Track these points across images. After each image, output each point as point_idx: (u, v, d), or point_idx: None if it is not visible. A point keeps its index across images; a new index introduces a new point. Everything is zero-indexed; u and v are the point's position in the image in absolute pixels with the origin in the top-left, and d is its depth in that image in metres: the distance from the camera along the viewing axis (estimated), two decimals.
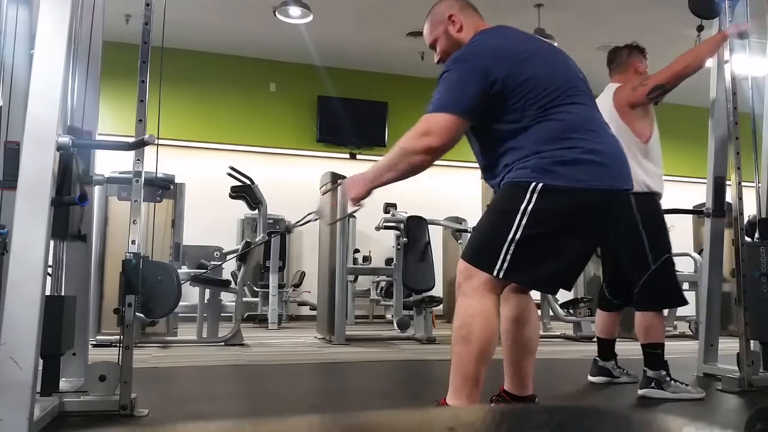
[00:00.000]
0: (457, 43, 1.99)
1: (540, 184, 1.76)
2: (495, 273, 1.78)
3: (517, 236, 1.76)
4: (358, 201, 1.93)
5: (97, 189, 3.36)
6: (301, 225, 2.22)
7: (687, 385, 2.67)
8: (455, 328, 1.82)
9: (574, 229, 1.81)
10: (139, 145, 2.09)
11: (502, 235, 1.78)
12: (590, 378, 3.03)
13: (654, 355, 2.67)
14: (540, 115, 1.80)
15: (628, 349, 3.57)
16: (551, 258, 1.81)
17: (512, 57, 1.85)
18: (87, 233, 2.37)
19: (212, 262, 5.30)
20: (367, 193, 1.92)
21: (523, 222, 1.76)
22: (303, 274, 7.65)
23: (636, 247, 2.73)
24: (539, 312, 5.61)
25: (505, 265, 1.77)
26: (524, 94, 1.80)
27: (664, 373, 2.64)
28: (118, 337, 2.32)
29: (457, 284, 1.87)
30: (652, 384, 2.64)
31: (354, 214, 2.13)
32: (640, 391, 2.67)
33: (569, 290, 2.08)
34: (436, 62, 2.07)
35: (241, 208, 6.47)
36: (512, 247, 1.76)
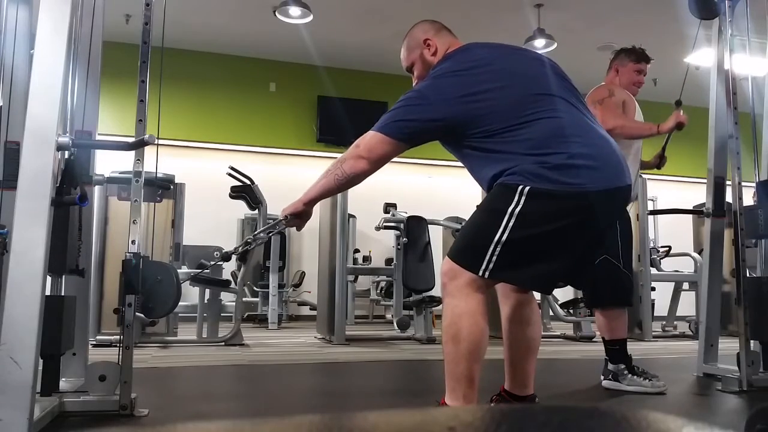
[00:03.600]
0: (430, 66, 2.02)
1: (528, 187, 1.74)
2: (480, 273, 1.77)
3: (504, 237, 1.75)
4: (287, 215, 2.10)
5: (97, 189, 3.36)
6: (238, 253, 2.36)
7: (649, 379, 2.78)
8: (444, 328, 1.83)
9: (565, 231, 1.79)
10: (139, 145, 2.09)
11: (488, 235, 1.77)
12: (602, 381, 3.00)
13: (614, 350, 2.88)
14: (514, 129, 1.79)
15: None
16: (537, 260, 1.79)
17: (467, 85, 1.86)
18: (85, 267, 2.37)
19: (212, 262, 5.29)
20: (301, 208, 2.08)
21: (510, 224, 1.75)
22: (303, 274, 7.65)
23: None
24: (540, 312, 5.62)
25: (491, 265, 1.76)
26: (489, 116, 1.81)
27: (622, 366, 2.84)
28: (118, 337, 2.32)
29: (441, 285, 1.87)
30: (610, 376, 2.87)
31: (280, 230, 2.30)
32: (603, 383, 2.91)
33: (578, 287, 2.10)
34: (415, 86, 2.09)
35: (241, 208, 6.47)
36: (498, 248, 1.75)
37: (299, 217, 2.11)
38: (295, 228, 2.17)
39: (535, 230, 1.77)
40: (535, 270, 1.81)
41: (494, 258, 1.76)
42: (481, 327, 1.79)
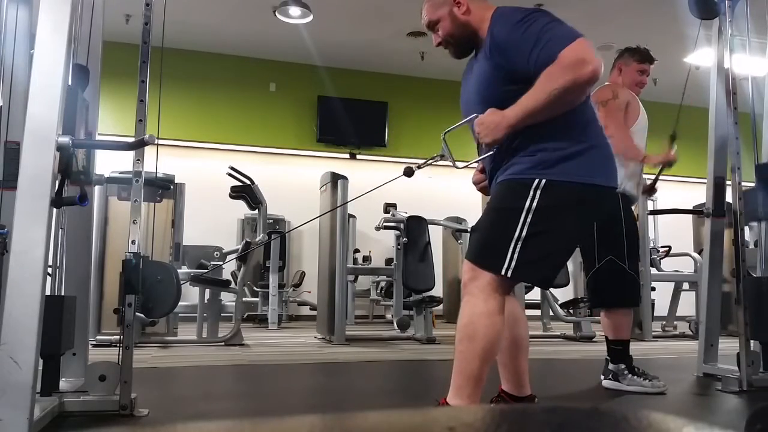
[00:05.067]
0: (464, 26, 1.93)
1: (543, 180, 1.76)
2: (503, 272, 1.77)
3: (523, 234, 1.76)
4: (493, 145, 1.83)
5: (97, 189, 3.36)
6: (428, 164, 2.13)
7: (649, 379, 2.79)
8: (460, 326, 1.82)
9: (575, 223, 1.83)
10: (139, 145, 2.08)
11: (507, 234, 1.77)
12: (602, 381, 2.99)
13: (616, 350, 2.88)
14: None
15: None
16: (555, 254, 1.83)
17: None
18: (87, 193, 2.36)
19: (212, 262, 5.30)
20: (504, 137, 1.79)
21: (528, 219, 1.76)
22: (303, 274, 7.65)
23: (588, 245, 2.88)
24: (539, 312, 5.62)
25: (513, 264, 1.76)
26: None
27: (623, 366, 2.84)
28: (118, 337, 2.32)
29: (462, 284, 1.88)
30: (610, 376, 2.87)
31: (485, 159, 2.03)
32: (603, 382, 2.91)
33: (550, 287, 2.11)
34: (436, 44, 2.01)
35: (241, 208, 6.47)
36: (519, 246, 1.76)
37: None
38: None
39: (552, 223, 1.78)
40: (551, 266, 1.85)
41: (515, 256, 1.76)
42: (497, 328, 1.80)
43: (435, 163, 2.07)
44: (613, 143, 2.83)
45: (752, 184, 3.12)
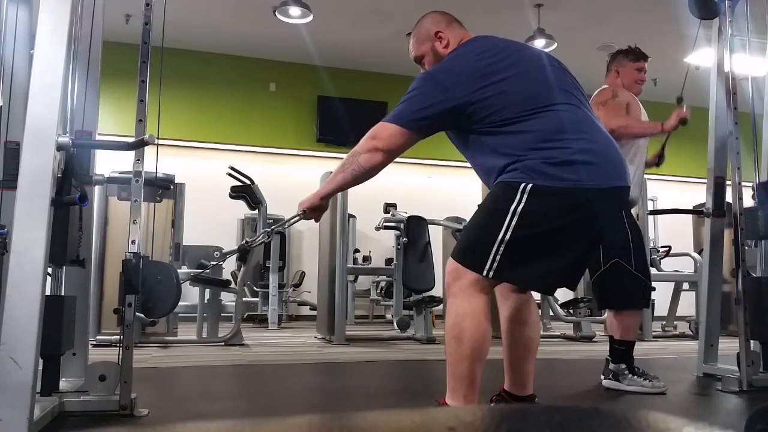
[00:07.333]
0: (443, 58, 2.00)
1: (530, 185, 1.74)
2: (485, 273, 1.77)
3: (507, 236, 1.75)
4: (304, 209, 2.07)
5: (97, 189, 3.36)
6: (260, 243, 2.32)
7: (649, 380, 2.80)
8: (447, 329, 1.83)
9: (567, 229, 1.79)
10: (139, 145, 2.09)
11: (491, 235, 1.77)
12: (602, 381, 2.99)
13: (618, 350, 2.88)
14: (522, 120, 1.79)
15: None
16: (541, 258, 1.79)
17: (481, 71, 1.85)
18: (86, 258, 2.37)
19: (212, 262, 5.30)
20: (317, 202, 2.05)
21: (513, 222, 1.75)
22: (303, 274, 7.65)
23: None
24: (539, 312, 5.61)
25: (495, 265, 1.76)
26: (499, 104, 1.81)
27: (623, 366, 2.85)
28: (118, 337, 2.32)
29: (446, 285, 1.87)
30: (610, 376, 2.88)
31: (295, 222, 2.26)
32: (603, 382, 2.92)
33: (573, 289, 2.09)
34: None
35: (241, 208, 6.47)
36: (502, 248, 1.75)
37: (316, 210, 2.09)
38: (313, 220, 2.16)
39: (538, 228, 1.77)
40: (539, 270, 1.82)
41: (498, 257, 1.76)
42: (484, 328, 1.79)
43: (264, 240, 2.33)
44: (626, 132, 2.87)
45: (751, 184, 3.12)
